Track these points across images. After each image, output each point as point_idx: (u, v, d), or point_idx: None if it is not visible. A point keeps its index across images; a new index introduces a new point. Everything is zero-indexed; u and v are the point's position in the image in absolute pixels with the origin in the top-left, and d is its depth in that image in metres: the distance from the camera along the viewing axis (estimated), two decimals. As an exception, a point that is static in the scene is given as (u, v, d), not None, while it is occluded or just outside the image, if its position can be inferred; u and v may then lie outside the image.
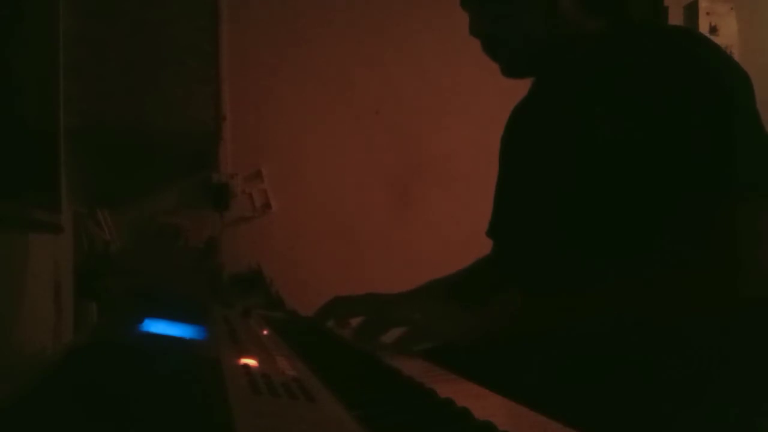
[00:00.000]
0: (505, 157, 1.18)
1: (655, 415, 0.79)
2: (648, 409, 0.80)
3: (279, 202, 2.68)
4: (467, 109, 2.78)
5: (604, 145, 0.87)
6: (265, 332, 0.96)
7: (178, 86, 2.20)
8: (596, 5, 1.00)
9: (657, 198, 0.82)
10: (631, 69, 0.87)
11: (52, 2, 1.94)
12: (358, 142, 2.76)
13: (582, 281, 0.88)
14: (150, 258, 2.40)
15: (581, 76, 0.96)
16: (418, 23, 2.78)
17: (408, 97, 2.78)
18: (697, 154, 0.80)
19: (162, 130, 2.25)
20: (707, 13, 2.96)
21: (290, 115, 2.70)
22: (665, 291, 0.82)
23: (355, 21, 2.75)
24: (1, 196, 1.32)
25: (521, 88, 1.17)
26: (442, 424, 0.52)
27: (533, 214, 1.02)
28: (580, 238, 0.91)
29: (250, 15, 2.65)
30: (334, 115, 2.73)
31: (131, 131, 2.25)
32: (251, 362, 0.64)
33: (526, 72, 1.08)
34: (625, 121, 0.85)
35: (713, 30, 2.95)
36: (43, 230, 1.71)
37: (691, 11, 2.98)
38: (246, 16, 2.64)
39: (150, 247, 2.52)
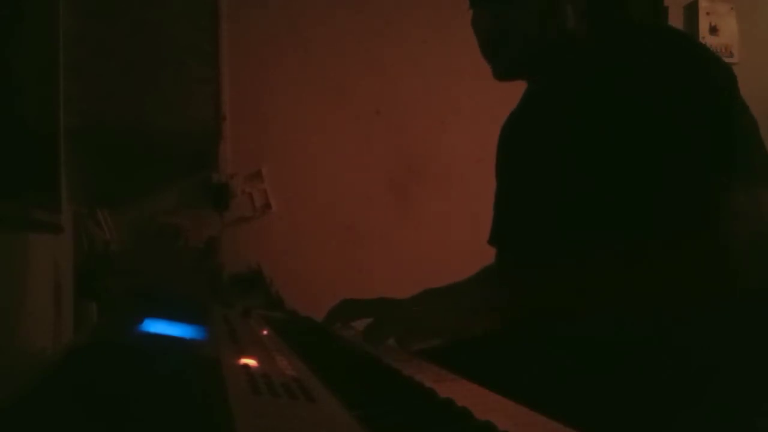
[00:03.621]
0: (502, 167, 1.18)
1: (655, 415, 0.79)
2: (648, 409, 0.80)
3: (279, 202, 2.68)
4: (467, 110, 2.79)
5: (605, 146, 0.87)
6: (265, 332, 0.96)
7: (178, 86, 2.20)
8: (595, 6, 1.00)
9: (659, 196, 0.82)
10: (630, 69, 0.88)
11: (52, 2, 1.94)
12: (358, 142, 2.76)
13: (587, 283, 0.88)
14: (150, 258, 2.40)
15: (580, 77, 0.96)
16: (419, 23, 2.78)
17: (408, 97, 2.78)
18: (697, 152, 0.80)
19: (162, 130, 2.25)
20: (707, 13, 2.96)
21: (290, 115, 2.70)
22: (663, 285, 0.82)
23: (355, 21, 2.75)
24: (1, 196, 1.32)
25: (521, 88, 1.17)
26: (442, 424, 0.52)
27: (536, 220, 1.02)
28: (583, 240, 0.91)
29: (250, 15, 2.65)
30: (335, 115, 2.74)
31: (131, 131, 2.25)
32: (251, 362, 0.64)
33: (523, 74, 1.08)
34: (624, 122, 0.85)
35: (713, 30, 2.95)
36: (43, 230, 1.71)
37: (691, 11, 2.98)
38: (246, 15, 2.64)
39: (150, 247, 2.52)
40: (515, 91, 1.19)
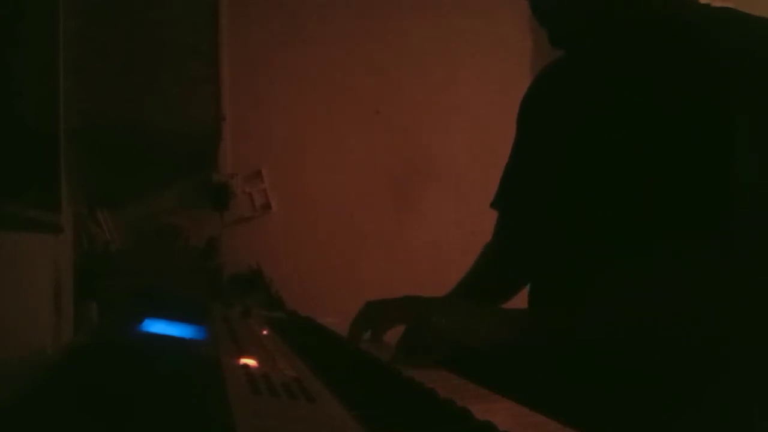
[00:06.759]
0: (523, 124, 1.15)
1: (655, 415, 0.79)
2: (648, 409, 0.80)
3: (279, 202, 2.68)
4: (467, 109, 2.79)
5: (621, 136, 0.86)
6: (265, 332, 0.96)
7: (178, 86, 2.21)
8: None
9: (666, 193, 0.82)
10: (662, 64, 0.86)
11: (52, 2, 1.94)
12: (358, 142, 2.76)
13: (583, 269, 0.88)
14: (150, 258, 2.40)
15: (615, 60, 0.94)
16: (419, 24, 2.78)
17: (408, 97, 2.79)
18: (705, 154, 0.79)
19: (162, 130, 2.25)
20: (707, 13, 2.95)
21: (290, 115, 2.70)
22: (666, 289, 0.81)
23: (355, 21, 2.76)
24: (1, 196, 1.32)
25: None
26: (442, 424, 0.52)
27: (540, 195, 1.00)
28: (582, 224, 0.90)
29: (250, 15, 2.65)
30: (334, 115, 2.74)
31: (131, 131, 2.25)
32: (251, 362, 0.64)
33: (569, 44, 1.03)
34: (646, 117, 0.84)
35: (713, 30, 2.94)
36: (43, 230, 1.71)
37: (691, 11, 2.98)
38: (246, 16, 2.64)
39: (150, 247, 2.52)
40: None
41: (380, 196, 2.77)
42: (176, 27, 2.21)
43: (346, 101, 2.75)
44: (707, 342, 0.82)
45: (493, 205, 1.17)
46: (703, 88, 0.81)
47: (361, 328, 0.94)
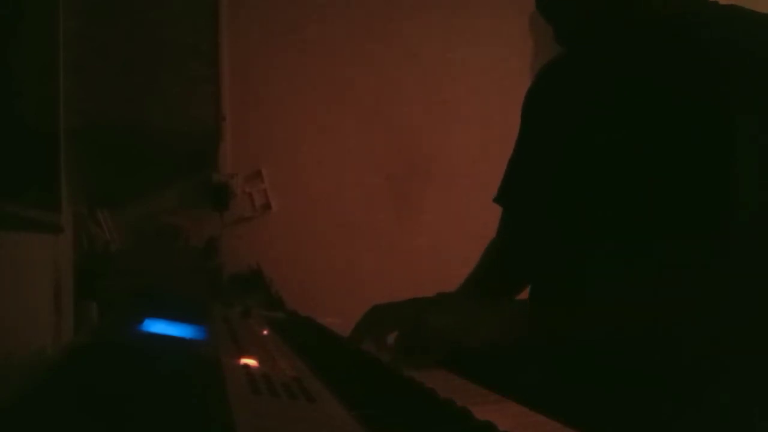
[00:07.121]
0: (525, 120, 1.14)
1: (655, 415, 0.79)
2: (648, 409, 0.80)
3: (279, 202, 2.68)
4: (467, 109, 2.79)
5: (621, 136, 0.86)
6: (265, 332, 0.96)
7: (178, 86, 2.21)
8: None
9: (666, 193, 0.82)
10: (662, 63, 0.86)
11: (52, 2, 1.94)
12: (358, 142, 2.76)
13: (583, 269, 0.88)
14: (150, 258, 2.40)
15: (616, 60, 0.93)
16: (419, 24, 2.78)
17: (408, 97, 2.79)
18: (705, 154, 0.79)
19: (162, 130, 2.25)
20: (707, 13, 2.95)
21: (290, 115, 2.70)
22: (666, 289, 0.81)
23: (355, 21, 2.76)
24: (1, 196, 1.32)
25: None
26: (442, 424, 0.52)
27: (541, 195, 1.00)
28: (583, 224, 0.90)
29: (250, 15, 2.65)
30: (334, 115, 2.74)
31: (131, 131, 2.26)
32: (251, 362, 0.65)
33: (575, 41, 1.02)
34: (646, 117, 0.84)
35: (713, 30, 2.93)
36: (43, 230, 1.71)
37: (691, 11, 2.98)
38: (246, 16, 2.64)
39: (150, 247, 2.52)
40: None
41: (380, 196, 2.77)
42: (176, 27, 2.21)
43: (346, 101, 2.75)
44: (707, 342, 0.82)
45: (495, 200, 1.17)
46: (704, 87, 0.81)
47: (364, 332, 0.94)
